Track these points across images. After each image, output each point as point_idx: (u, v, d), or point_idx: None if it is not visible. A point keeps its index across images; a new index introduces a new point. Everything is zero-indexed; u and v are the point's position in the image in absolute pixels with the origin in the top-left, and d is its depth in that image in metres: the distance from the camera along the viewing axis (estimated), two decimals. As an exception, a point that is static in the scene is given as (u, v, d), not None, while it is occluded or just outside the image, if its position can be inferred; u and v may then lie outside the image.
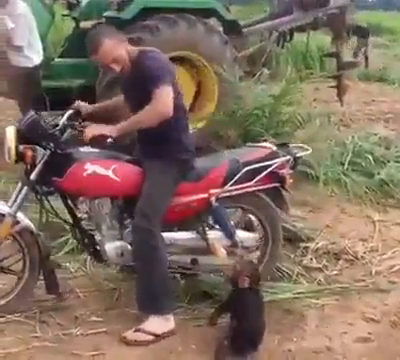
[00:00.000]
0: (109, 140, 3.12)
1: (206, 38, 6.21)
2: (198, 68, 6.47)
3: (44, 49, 5.99)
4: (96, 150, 3.30)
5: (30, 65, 5.68)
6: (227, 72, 6.22)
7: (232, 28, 6.80)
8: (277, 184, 3.54)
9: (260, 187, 3.49)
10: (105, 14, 6.52)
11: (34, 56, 5.70)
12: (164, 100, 3.09)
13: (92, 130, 3.12)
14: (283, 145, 3.72)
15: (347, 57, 9.18)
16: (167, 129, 3.19)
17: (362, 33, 14.40)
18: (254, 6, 12.64)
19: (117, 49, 3.14)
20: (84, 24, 6.93)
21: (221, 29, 6.63)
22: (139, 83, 3.15)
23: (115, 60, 3.15)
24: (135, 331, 3.12)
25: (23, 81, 5.59)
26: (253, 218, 3.60)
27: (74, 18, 7.18)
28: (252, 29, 7.62)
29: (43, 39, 6.09)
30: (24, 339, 3.09)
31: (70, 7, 7.28)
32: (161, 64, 3.19)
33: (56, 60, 6.71)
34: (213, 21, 6.61)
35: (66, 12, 7.39)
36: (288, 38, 9.40)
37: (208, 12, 6.51)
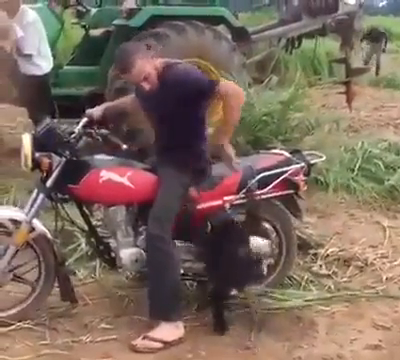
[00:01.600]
0: (124, 147, 3.15)
1: (215, 45, 6.24)
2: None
3: (54, 57, 6.03)
4: (111, 157, 3.33)
5: (40, 73, 5.71)
6: (236, 78, 6.22)
7: (240, 35, 6.83)
8: (291, 191, 3.54)
9: (274, 194, 3.49)
10: (114, 22, 6.58)
11: (44, 64, 5.73)
12: (233, 86, 3.24)
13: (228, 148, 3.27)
14: (297, 152, 3.72)
15: (356, 63, 9.21)
16: (187, 138, 3.24)
17: (377, 38, 14.28)
18: (263, 13, 12.67)
19: (147, 67, 3.15)
20: (93, 32, 7.00)
21: (229, 36, 6.66)
22: (169, 98, 3.17)
23: (145, 78, 3.16)
24: (145, 338, 3.12)
25: (33, 89, 5.62)
26: (267, 225, 3.59)
27: (83, 26, 7.24)
28: (261, 36, 7.67)
29: (53, 47, 6.14)
30: (34, 346, 3.09)
31: (79, 15, 7.33)
32: (196, 71, 3.30)
33: (65, 68, 6.76)
34: (222, 28, 6.64)
35: (75, 20, 7.45)
36: (296, 44, 9.41)
37: (216, 19, 6.55)
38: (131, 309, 3.48)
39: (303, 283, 3.77)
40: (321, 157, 3.71)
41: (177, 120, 3.25)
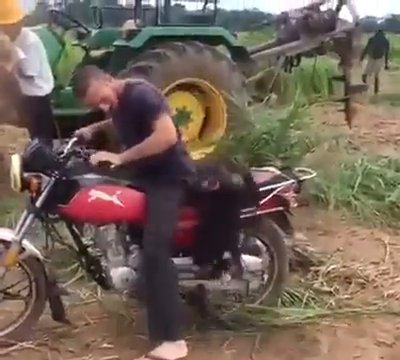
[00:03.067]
0: (113, 166, 3.17)
1: (214, 64, 6.31)
2: (206, 94, 6.55)
3: (55, 78, 6.09)
4: (100, 176, 3.33)
5: (41, 94, 5.76)
6: (235, 97, 6.28)
7: (240, 54, 6.91)
8: (281, 208, 3.56)
9: (264, 211, 3.50)
10: (115, 43, 6.65)
11: (45, 85, 5.79)
12: (167, 129, 3.21)
13: (98, 157, 3.18)
14: (286, 169, 3.76)
15: (356, 80, 9.26)
16: (167, 153, 3.24)
17: (377, 53, 14.23)
18: (262, 32, 12.79)
19: (103, 89, 3.23)
20: (94, 53, 7.07)
21: (229, 55, 6.73)
22: (129, 116, 3.25)
23: (103, 100, 3.24)
24: (147, 357, 3.11)
25: (34, 110, 5.67)
26: (258, 242, 3.60)
27: (84, 47, 7.30)
28: (260, 55, 7.73)
29: (54, 68, 6.20)
30: (35, 367, 3.10)
31: (80, 36, 7.40)
32: (151, 95, 3.26)
33: (66, 88, 6.80)
34: (221, 48, 6.72)
35: (76, 41, 7.52)
36: (295, 63, 9.50)
37: (216, 39, 6.62)
38: (133, 329, 3.48)
39: (304, 300, 3.76)
40: (312, 174, 3.73)
41: (138, 140, 3.24)
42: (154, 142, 3.19)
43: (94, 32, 7.38)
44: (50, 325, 3.40)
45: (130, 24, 6.85)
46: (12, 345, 3.21)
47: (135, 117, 3.22)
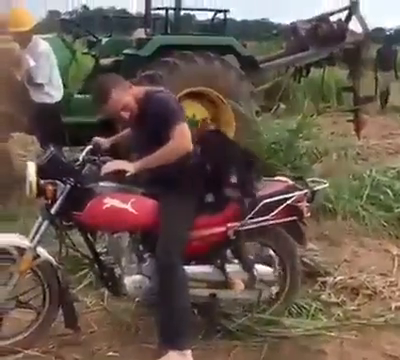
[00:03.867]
0: (128, 174, 3.18)
1: (223, 74, 6.33)
2: (215, 103, 6.56)
3: (64, 85, 6.13)
4: (115, 184, 3.34)
5: (51, 102, 5.80)
6: (244, 107, 6.29)
7: (249, 64, 6.92)
8: (295, 217, 3.54)
9: (277, 221, 3.49)
10: (124, 51, 6.68)
11: (55, 93, 5.83)
12: (183, 137, 3.21)
13: (111, 165, 3.19)
14: (299, 179, 3.75)
15: (367, 91, 9.26)
16: (183, 161, 3.25)
17: (386, 66, 14.12)
18: (271, 42, 12.82)
19: (125, 97, 3.25)
20: (104, 61, 7.11)
21: (238, 65, 6.75)
22: (147, 124, 3.26)
23: (124, 107, 3.25)
24: (152, 366, 3.11)
25: (44, 117, 5.70)
26: (271, 252, 3.60)
27: (94, 55, 7.35)
28: (269, 65, 7.74)
29: (64, 76, 6.24)
30: (41, 374, 3.09)
31: (90, 45, 7.47)
32: (169, 104, 3.28)
33: (76, 96, 6.85)
34: (230, 57, 6.74)
35: (86, 50, 7.57)
36: (304, 73, 9.50)
37: (225, 49, 6.64)
38: (139, 337, 3.47)
39: (312, 311, 3.74)
40: (324, 184, 3.72)
41: (155, 148, 3.24)
42: (171, 150, 3.21)
43: (104, 40, 7.44)
44: (56, 332, 3.40)
45: (140, 33, 6.90)
46: (18, 352, 3.21)
47: (154, 125, 3.22)
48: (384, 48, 14.44)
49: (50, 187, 3.18)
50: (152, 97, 3.30)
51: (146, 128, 3.30)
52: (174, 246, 3.18)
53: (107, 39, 7.47)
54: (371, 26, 8.49)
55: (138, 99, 3.29)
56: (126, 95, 3.26)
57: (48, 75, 5.71)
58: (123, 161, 3.26)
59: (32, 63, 5.55)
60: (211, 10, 7.21)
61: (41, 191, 3.18)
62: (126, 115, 3.27)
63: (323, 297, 3.98)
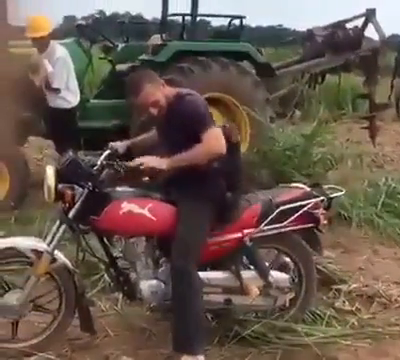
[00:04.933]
0: (145, 179, 3.18)
1: (238, 80, 6.34)
2: (230, 109, 6.57)
3: (81, 91, 6.18)
4: (132, 189, 3.36)
5: (67, 106, 5.85)
6: (259, 113, 6.30)
7: (264, 70, 6.93)
8: (311, 225, 3.54)
9: (294, 227, 3.49)
10: (140, 57, 6.72)
11: (71, 98, 5.88)
12: (218, 139, 3.21)
13: (146, 161, 3.19)
14: (316, 186, 3.74)
15: (382, 98, 9.23)
16: (199, 168, 3.25)
17: None
18: (287, 49, 12.81)
19: (157, 93, 3.25)
20: (120, 67, 7.14)
21: (253, 71, 6.76)
22: (176, 126, 3.25)
23: (154, 104, 3.25)
24: (166, 371, 3.11)
25: (60, 122, 5.75)
26: (287, 259, 3.60)
27: (110, 61, 7.39)
28: (284, 71, 7.75)
29: (80, 81, 6.29)
30: (54, 377, 3.10)
31: (107, 50, 7.50)
32: (202, 107, 3.28)
33: (92, 101, 6.89)
34: (246, 64, 6.75)
35: (103, 55, 7.62)
36: (320, 80, 9.49)
37: (241, 55, 6.66)
38: (152, 342, 3.48)
39: (326, 319, 3.71)
40: (341, 191, 3.71)
41: (184, 151, 3.25)
42: (204, 150, 3.20)
43: (120, 46, 7.48)
44: (70, 336, 3.41)
45: (156, 39, 6.93)
46: (32, 355, 3.22)
47: (184, 127, 3.22)
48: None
49: (69, 191, 3.19)
50: (183, 99, 3.30)
51: (174, 129, 3.28)
52: (189, 251, 3.18)
53: (123, 45, 7.51)
54: (388, 33, 8.46)
55: (169, 99, 3.29)
56: (158, 92, 3.26)
57: (65, 80, 5.77)
58: (155, 157, 3.24)
59: (50, 69, 5.60)
60: (227, 16, 7.23)
61: (59, 195, 3.19)
62: (155, 111, 3.27)
63: (337, 305, 3.96)
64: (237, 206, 3.39)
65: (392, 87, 13.76)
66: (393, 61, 14.10)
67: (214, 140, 3.20)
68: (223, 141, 3.22)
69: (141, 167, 3.18)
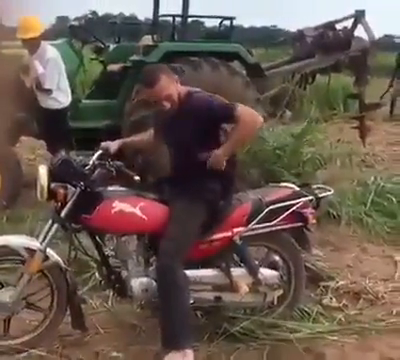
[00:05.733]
0: (136, 178, 3.24)
1: (229, 80, 6.38)
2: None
3: (72, 91, 6.21)
4: (124, 189, 3.41)
5: (59, 107, 5.89)
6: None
7: (255, 71, 6.98)
8: (300, 224, 3.60)
9: (283, 226, 3.55)
10: (131, 58, 6.76)
11: (63, 98, 5.91)
12: (250, 110, 3.29)
13: (218, 161, 3.28)
14: (306, 185, 3.80)
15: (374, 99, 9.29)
16: (203, 168, 3.31)
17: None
18: (278, 49, 12.86)
19: (171, 87, 3.28)
20: (111, 67, 7.18)
21: (244, 72, 6.81)
22: (191, 123, 3.29)
23: (167, 97, 3.28)
24: (155, 367, 3.16)
25: (52, 122, 5.79)
26: (277, 257, 3.65)
27: (102, 61, 7.43)
28: (275, 71, 7.81)
29: (71, 82, 6.32)
30: (46, 373, 3.15)
31: (98, 51, 7.54)
32: (214, 99, 3.35)
33: (84, 101, 6.93)
34: (236, 64, 6.80)
35: (94, 56, 7.65)
36: (310, 80, 9.56)
37: (231, 55, 6.71)
38: (142, 338, 3.52)
39: (313, 315, 3.77)
40: (330, 191, 3.77)
41: (193, 149, 3.34)
42: (248, 123, 3.26)
43: (112, 47, 7.52)
44: (61, 333, 3.46)
45: (147, 39, 6.97)
46: (23, 352, 3.27)
47: (203, 122, 3.26)
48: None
49: (61, 190, 3.23)
50: (194, 96, 3.35)
51: (184, 126, 3.31)
52: (176, 250, 3.23)
53: (115, 45, 7.55)
54: (381, 33, 8.55)
55: (180, 96, 3.33)
56: (173, 86, 3.29)
57: (56, 81, 5.80)
58: (217, 154, 3.28)
59: (41, 70, 5.64)
60: (217, 17, 7.28)
61: (52, 194, 3.24)
62: (167, 105, 3.29)
63: (325, 301, 4.02)
64: (228, 213, 3.44)
65: (390, 87, 13.83)
66: (390, 61, 14.12)
67: (250, 112, 3.28)
68: (254, 111, 3.31)
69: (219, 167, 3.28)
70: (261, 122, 3.34)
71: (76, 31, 6.99)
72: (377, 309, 4.01)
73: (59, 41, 6.73)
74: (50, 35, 6.80)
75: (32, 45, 5.73)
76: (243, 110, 3.27)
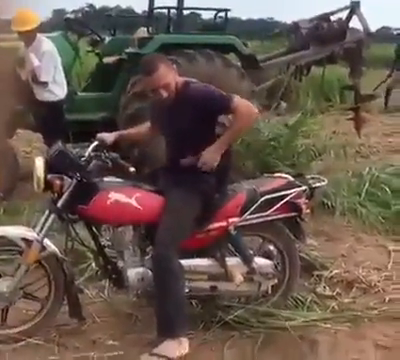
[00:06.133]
0: (132, 169, 3.28)
1: (224, 72, 6.41)
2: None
3: (68, 83, 6.23)
4: (119, 180, 3.45)
5: (55, 99, 5.91)
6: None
7: (250, 62, 7.01)
8: (294, 214, 3.64)
9: (277, 216, 3.59)
10: (127, 50, 6.78)
11: (58, 91, 5.93)
12: (246, 103, 3.35)
13: (211, 159, 3.30)
14: (300, 176, 3.83)
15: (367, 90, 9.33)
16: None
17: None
18: (274, 41, 12.89)
19: (169, 76, 3.32)
20: (107, 60, 7.21)
21: (239, 63, 6.83)
22: (184, 113, 3.33)
23: (165, 86, 3.31)
24: (150, 355, 3.20)
25: (48, 114, 5.81)
26: (271, 246, 3.70)
27: (97, 54, 7.44)
28: (270, 63, 7.83)
29: (67, 74, 6.34)
30: (43, 361, 3.20)
31: (94, 43, 7.54)
32: (214, 89, 3.40)
33: (79, 94, 6.95)
34: (231, 56, 6.82)
35: (90, 48, 7.67)
36: (305, 72, 9.59)
37: (226, 47, 6.73)
38: (138, 327, 3.57)
39: (307, 304, 3.82)
40: (324, 181, 3.81)
41: (189, 139, 3.37)
42: (245, 115, 3.33)
43: (107, 39, 7.53)
44: (58, 322, 3.51)
45: (142, 32, 7.00)
46: (21, 340, 3.32)
47: (199, 112, 3.29)
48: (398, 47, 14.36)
49: (57, 181, 3.27)
50: (191, 86, 3.39)
51: (181, 116, 3.34)
52: (172, 239, 3.27)
53: (110, 38, 7.56)
54: (378, 25, 8.58)
55: (178, 85, 3.36)
56: (171, 75, 3.32)
57: (52, 74, 5.82)
58: (210, 152, 3.32)
59: (37, 62, 5.65)
60: (212, 9, 7.29)
61: (48, 185, 3.28)
62: (165, 94, 3.32)
63: (319, 290, 4.06)
64: (223, 203, 3.48)
65: (389, 77, 13.83)
66: (388, 53, 14.10)
67: (245, 104, 3.33)
68: (250, 103, 3.36)
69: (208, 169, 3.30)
70: (257, 114, 3.40)
71: (72, 24, 7.00)
72: (370, 298, 4.05)
73: (55, 34, 6.74)
74: (46, 28, 6.81)
75: (28, 38, 5.74)
76: (240, 102, 3.32)
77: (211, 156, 3.33)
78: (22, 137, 7.77)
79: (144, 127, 3.79)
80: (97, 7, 35.31)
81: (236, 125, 3.35)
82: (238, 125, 3.36)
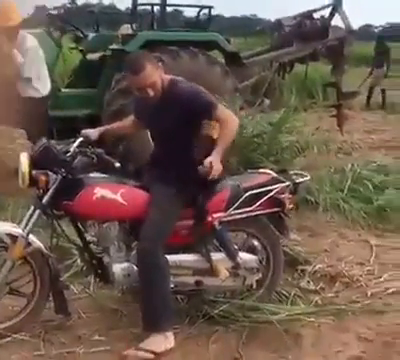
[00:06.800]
0: (117, 165, 3.29)
1: (208, 69, 6.44)
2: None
3: (52, 80, 6.21)
4: (105, 175, 3.47)
5: (38, 96, 5.88)
6: (228, 102, 6.39)
7: (233, 59, 7.05)
8: (277, 209, 3.67)
9: (261, 211, 3.63)
10: (110, 47, 6.77)
11: (42, 87, 5.91)
12: (229, 113, 3.42)
13: (217, 166, 3.29)
14: (283, 171, 3.87)
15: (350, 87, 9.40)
16: (183, 155, 3.40)
17: (379, 63, 14.12)
18: (257, 38, 12.92)
19: (156, 75, 3.33)
20: (90, 56, 7.20)
21: (223, 61, 6.86)
22: (176, 111, 3.34)
23: (152, 85, 3.32)
24: (136, 349, 3.22)
25: (31, 111, 5.78)
26: (255, 242, 3.73)
27: (81, 50, 7.43)
28: (253, 60, 7.87)
29: (51, 71, 6.31)
30: (29, 357, 3.20)
31: (77, 40, 7.53)
32: (203, 91, 3.43)
33: (63, 90, 6.93)
34: (215, 53, 6.85)
35: (73, 45, 7.65)
36: (288, 69, 9.65)
37: (210, 44, 6.76)
38: (124, 323, 3.59)
39: (291, 298, 3.86)
40: (307, 176, 3.85)
41: (175, 137, 3.40)
42: (233, 127, 3.40)
43: (91, 36, 7.52)
44: (43, 318, 3.51)
45: (126, 28, 6.99)
46: (6, 336, 3.32)
47: (181, 111, 3.32)
48: (377, 45, 14.48)
49: (42, 177, 3.28)
50: (179, 84, 3.41)
51: (168, 114, 3.37)
52: (156, 233, 3.29)
53: (94, 34, 7.55)
54: (361, 23, 8.66)
55: (164, 84, 3.37)
56: (157, 74, 3.33)
57: (35, 70, 5.79)
58: (213, 158, 3.29)
59: (20, 59, 5.63)
60: (195, 6, 7.32)
61: (33, 181, 3.28)
62: (151, 93, 3.32)
63: (302, 284, 4.11)
64: (207, 199, 3.49)
65: (370, 74, 13.95)
66: (369, 51, 14.26)
67: (231, 115, 3.42)
68: (231, 112, 3.46)
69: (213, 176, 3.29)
70: (238, 123, 3.48)
71: (54, 20, 6.98)
72: (352, 291, 4.11)
73: (37, 30, 6.71)
74: (29, 24, 6.78)
75: (11, 34, 5.71)
76: (224, 111, 3.37)
77: (218, 167, 3.33)
78: (4, 134, 7.71)
79: (128, 121, 3.80)
80: (79, 3, 35.07)
81: (227, 136, 3.39)
82: (229, 135, 3.40)
